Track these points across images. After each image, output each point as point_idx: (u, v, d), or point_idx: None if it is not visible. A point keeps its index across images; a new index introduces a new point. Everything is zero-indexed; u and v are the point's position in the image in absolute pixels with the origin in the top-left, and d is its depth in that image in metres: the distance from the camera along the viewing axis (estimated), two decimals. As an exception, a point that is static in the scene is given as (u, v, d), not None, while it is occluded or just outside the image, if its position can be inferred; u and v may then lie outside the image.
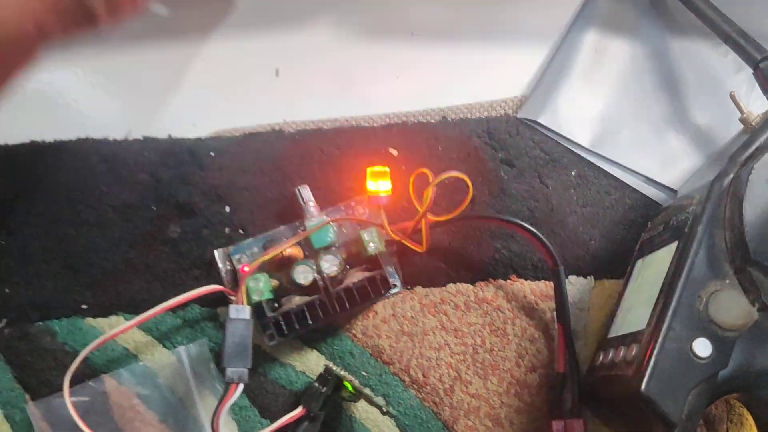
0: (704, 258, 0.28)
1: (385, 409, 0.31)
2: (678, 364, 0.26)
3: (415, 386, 0.33)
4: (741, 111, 0.32)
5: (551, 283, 0.34)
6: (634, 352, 0.28)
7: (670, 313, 0.27)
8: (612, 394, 0.30)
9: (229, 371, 0.30)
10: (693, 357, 0.27)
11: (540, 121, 0.36)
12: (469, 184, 0.31)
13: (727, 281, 0.27)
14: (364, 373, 0.33)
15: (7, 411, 0.33)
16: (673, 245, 0.30)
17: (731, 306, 0.27)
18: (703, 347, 0.27)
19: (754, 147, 0.30)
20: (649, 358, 0.27)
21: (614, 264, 0.35)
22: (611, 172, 0.36)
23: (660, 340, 0.27)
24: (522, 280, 0.35)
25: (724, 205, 0.28)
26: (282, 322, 0.32)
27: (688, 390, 0.26)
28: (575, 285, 0.35)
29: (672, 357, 0.26)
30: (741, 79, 0.37)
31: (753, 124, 0.32)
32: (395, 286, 0.34)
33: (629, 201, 0.36)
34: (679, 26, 0.38)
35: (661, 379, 0.26)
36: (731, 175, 0.29)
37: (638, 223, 0.35)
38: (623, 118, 0.37)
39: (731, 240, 0.28)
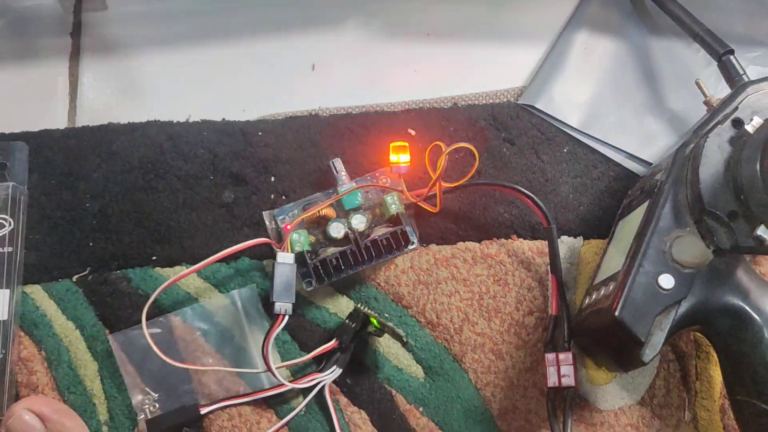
0: (669, 210, 0.34)
1: (405, 340, 0.37)
2: (646, 294, 0.32)
3: (430, 326, 0.39)
4: (704, 95, 0.38)
5: (546, 242, 0.40)
6: (611, 287, 0.34)
7: (641, 254, 0.33)
8: (595, 327, 0.35)
9: (277, 305, 0.36)
10: (659, 289, 0.32)
11: (537, 106, 0.43)
12: (476, 153, 0.37)
13: (688, 229, 0.33)
14: (386, 315, 0.40)
15: (90, 343, 0.39)
16: (646, 204, 0.36)
17: (690, 248, 0.33)
18: (667, 281, 0.32)
19: (713, 123, 0.36)
20: (623, 290, 0.32)
21: (600, 226, 0.41)
22: (598, 149, 0.42)
23: (632, 275, 0.33)
24: (521, 239, 0.41)
25: (686, 169, 0.34)
26: (320, 268, 0.38)
27: (654, 315, 0.32)
28: (566, 243, 0.41)
29: (641, 289, 0.32)
30: (710, 71, 0.42)
31: (714, 105, 0.38)
32: (413, 243, 0.40)
33: (613, 173, 0.42)
34: (657, 28, 0.45)
35: (632, 307, 0.32)
36: (692, 145, 0.35)
37: (620, 191, 0.41)
38: (609, 104, 0.43)
39: (691, 196, 0.34)
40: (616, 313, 0.32)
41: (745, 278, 0.34)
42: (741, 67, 0.38)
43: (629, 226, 0.37)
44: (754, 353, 0.33)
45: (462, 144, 0.37)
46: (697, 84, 0.39)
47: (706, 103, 0.38)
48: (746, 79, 0.38)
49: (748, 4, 0.44)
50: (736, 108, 0.34)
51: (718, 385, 0.38)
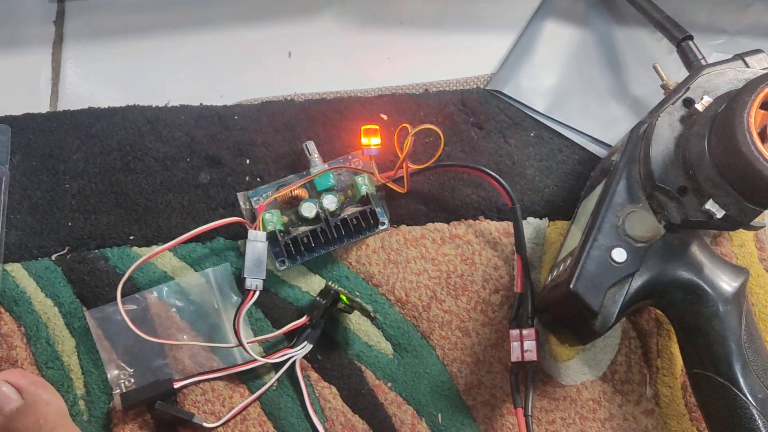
0: (623, 187, 0.35)
1: (373, 315, 0.38)
2: (600, 267, 0.33)
3: (399, 304, 0.41)
4: (662, 78, 0.40)
5: (512, 223, 0.41)
6: (568, 262, 0.35)
7: (595, 229, 0.34)
8: (555, 301, 0.36)
9: (248, 281, 0.38)
10: (612, 262, 0.34)
11: (505, 91, 0.44)
12: (441, 134, 0.39)
13: (641, 204, 0.34)
14: (357, 293, 0.41)
15: (68, 320, 0.40)
16: (603, 183, 0.37)
17: (642, 223, 0.34)
18: (619, 254, 0.34)
19: (667, 105, 0.37)
20: (578, 263, 0.34)
21: (564, 207, 0.42)
22: (563, 133, 0.44)
23: (587, 249, 0.34)
24: (488, 220, 0.42)
25: (639, 147, 0.35)
26: (291, 246, 0.39)
27: (607, 287, 0.33)
28: (532, 224, 0.42)
29: (595, 262, 0.34)
30: (672, 58, 0.43)
31: (670, 88, 0.39)
32: (384, 223, 0.41)
33: (577, 157, 0.43)
34: (622, 17, 0.46)
35: (586, 279, 0.33)
36: (646, 125, 0.36)
37: (584, 174, 0.43)
38: (574, 90, 0.44)
39: (643, 172, 0.35)
40: (571, 286, 0.33)
41: (698, 253, 0.35)
42: (699, 52, 0.40)
43: (589, 205, 0.38)
44: (710, 327, 0.34)
45: (427, 125, 0.38)
46: (655, 68, 0.40)
47: (663, 86, 0.40)
48: (703, 63, 0.39)
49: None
50: (688, 88, 0.35)
51: (680, 362, 0.40)
